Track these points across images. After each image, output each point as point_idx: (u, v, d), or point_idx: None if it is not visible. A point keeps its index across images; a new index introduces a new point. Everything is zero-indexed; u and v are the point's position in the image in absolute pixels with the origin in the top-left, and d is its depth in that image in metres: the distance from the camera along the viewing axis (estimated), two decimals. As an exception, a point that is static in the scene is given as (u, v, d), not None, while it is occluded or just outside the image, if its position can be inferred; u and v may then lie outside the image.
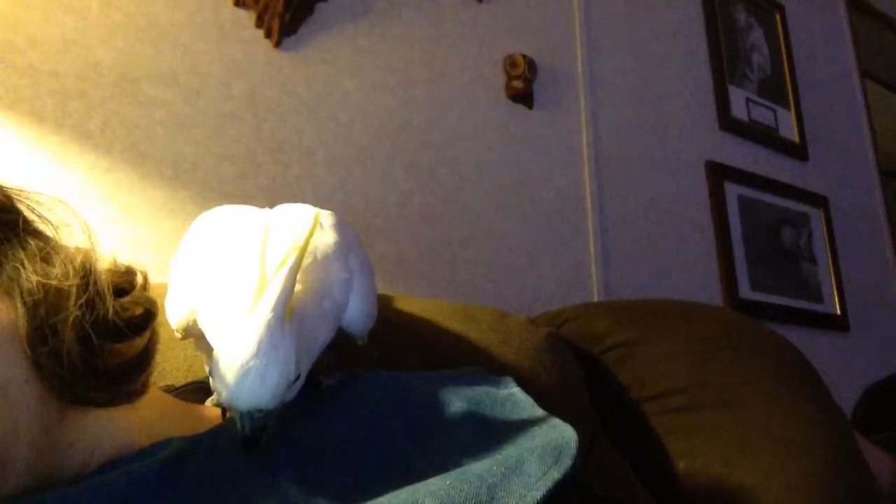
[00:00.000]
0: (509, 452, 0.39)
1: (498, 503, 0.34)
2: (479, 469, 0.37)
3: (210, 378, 0.46)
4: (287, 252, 0.37)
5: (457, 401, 0.47)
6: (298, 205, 0.49)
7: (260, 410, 0.36)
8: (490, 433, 0.44)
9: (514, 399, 0.48)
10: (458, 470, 0.38)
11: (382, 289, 0.67)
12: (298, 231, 0.40)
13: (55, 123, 0.87)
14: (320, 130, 1.10)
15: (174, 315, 0.45)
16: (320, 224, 0.47)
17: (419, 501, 0.34)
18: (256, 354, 0.35)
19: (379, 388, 0.48)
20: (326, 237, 0.46)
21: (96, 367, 0.37)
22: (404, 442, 0.43)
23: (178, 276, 0.46)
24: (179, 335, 0.47)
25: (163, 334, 0.44)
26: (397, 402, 0.46)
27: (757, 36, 1.94)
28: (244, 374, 0.35)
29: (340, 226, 0.48)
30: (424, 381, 0.51)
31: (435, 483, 0.36)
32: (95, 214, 0.87)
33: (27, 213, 0.40)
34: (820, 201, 1.88)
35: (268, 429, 0.37)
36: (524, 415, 0.46)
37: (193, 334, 0.46)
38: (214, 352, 0.36)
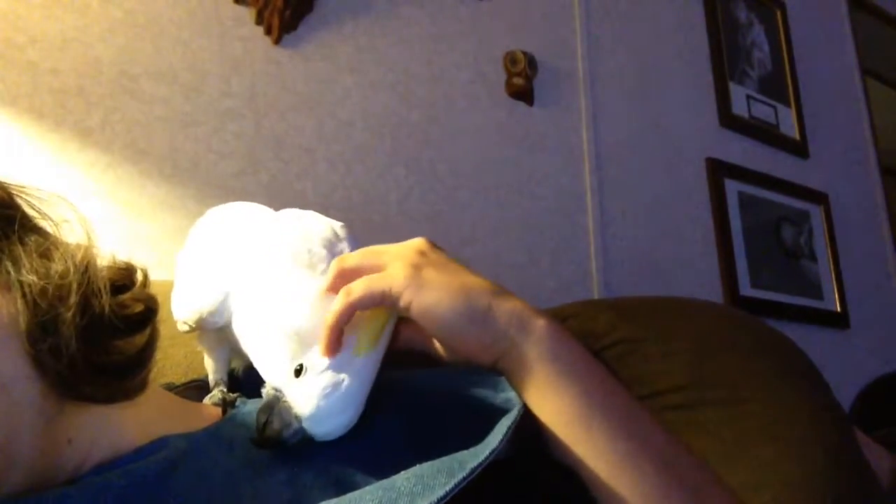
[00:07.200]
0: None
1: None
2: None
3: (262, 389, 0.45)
4: (370, 340, 0.42)
5: (454, 406, 0.47)
6: (310, 214, 0.51)
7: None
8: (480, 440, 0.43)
9: (511, 405, 0.47)
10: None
11: (382, 286, 0.67)
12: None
13: (54, 120, 0.87)
14: (320, 127, 1.10)
15: (203, 302, 0.46)
16: (336, 234, 0.48)
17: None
18: (345, 408, 0.40)
19: (375, 387, 0.48)
20: (342, 248, 0.48)
21: (96, 363, 0.37)
22: (399, 444, 0.43)
23: (203, 267, 0.47)
24: (187, 327, 0.47)
25: (162, 331, 0.44)
26: (395, 403, 0.46)
27: (757, 33, 1.93)
28: (333, 417, 0.40)
29: (352, 238, 0.50)
30: (423, 379, 0.51)
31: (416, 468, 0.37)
32: (95, 211, 0.87)
33: (27, 210, 0.39)
34: (820, 198, 1.88)
35: None
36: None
37: (206, 327, 0.46)
38: (296, 383, 0.40)
